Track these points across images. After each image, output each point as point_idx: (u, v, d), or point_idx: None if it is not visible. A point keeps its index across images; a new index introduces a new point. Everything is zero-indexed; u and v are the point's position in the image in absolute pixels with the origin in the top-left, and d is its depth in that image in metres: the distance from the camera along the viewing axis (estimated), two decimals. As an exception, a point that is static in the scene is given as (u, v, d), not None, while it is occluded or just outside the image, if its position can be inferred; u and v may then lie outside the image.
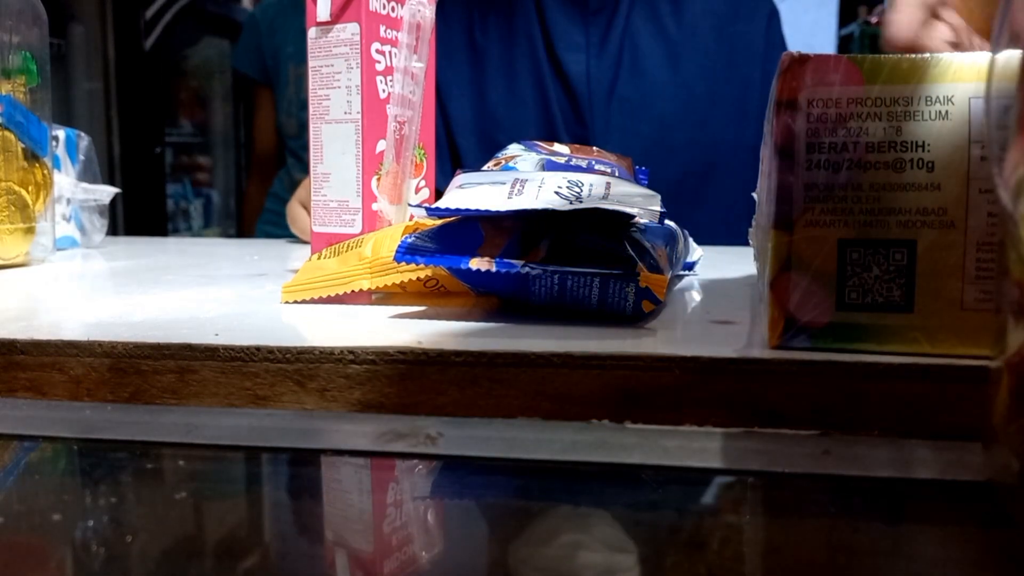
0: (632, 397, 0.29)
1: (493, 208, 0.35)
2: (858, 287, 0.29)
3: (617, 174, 0.45)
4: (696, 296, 0.44)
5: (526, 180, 0.38)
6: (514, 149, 0.49)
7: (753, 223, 0.43)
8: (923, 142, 0.28)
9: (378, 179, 0.49)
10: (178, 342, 0.31)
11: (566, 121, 0.90)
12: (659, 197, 0.38)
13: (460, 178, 0.41)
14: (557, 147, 0.51)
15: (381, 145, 0.49)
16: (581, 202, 0.35)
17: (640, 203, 0.36)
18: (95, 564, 0.21)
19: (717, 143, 0.89)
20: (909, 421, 0.28)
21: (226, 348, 0.31)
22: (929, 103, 0.28)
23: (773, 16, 0.95)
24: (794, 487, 0.25)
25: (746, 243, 0.53)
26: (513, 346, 0.30)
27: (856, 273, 0.29)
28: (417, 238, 0.36)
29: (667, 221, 0.44)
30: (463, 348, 0.30)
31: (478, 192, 0.38)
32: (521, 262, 0.35)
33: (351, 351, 0.30)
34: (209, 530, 0.24)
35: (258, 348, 0.31)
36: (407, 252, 0.36)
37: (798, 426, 0.28)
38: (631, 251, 0.36)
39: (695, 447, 0.27)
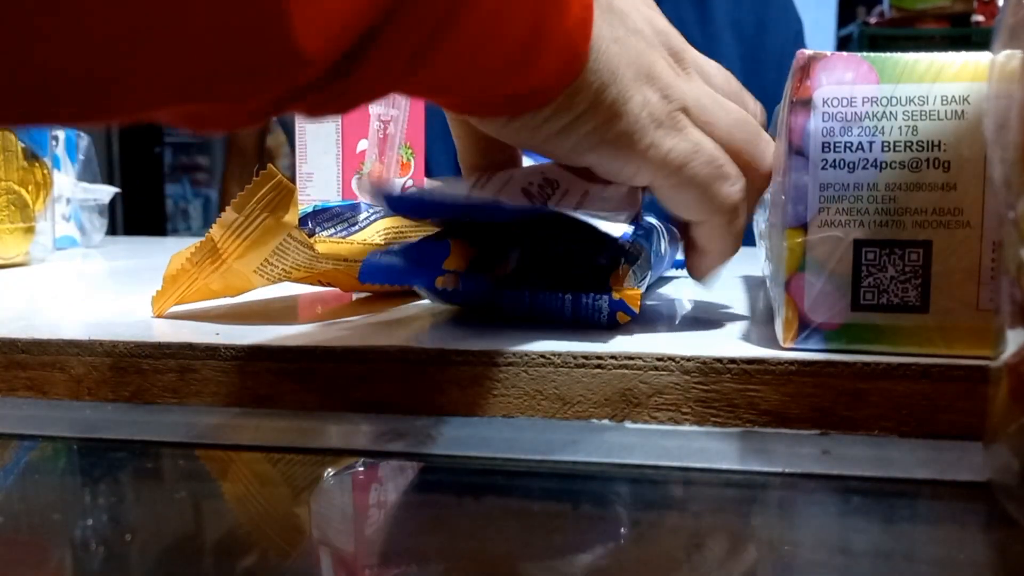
0: (632, 397, 0.29)
1: (449, 198, 0.33)
2: (873, 288, 0.29)
3: None
4: (696, 296, 0.44)
5: (493, 175, 0.36)
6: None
7: (765, 223, 0.43)
8: (939, 141, 0.28)
9: (359, 178, 0.49)
10: (179, 341, 0.31)
11: None
12: (637, 209, 0.35)
13: (427, 182, 0.40)
14: None
15: (362, 144, 0.49)
16: (547, 206, 0.33)
17: (610, 214, 0.33)
18: (95, 564, 0.21)
19: None
20: (909, 421, 0.28)
21: (227, 347, 0.31)
22: (945, 102, 0.28)
23: (799, 34, 0.94)
24: (794, 487, 0.25)
25: (745, 243, 0.53)
26: (513, 346, 0.30)
27: (871, 274, 0.29)
28: (383, 255, 0.34)
29: (648, 218, 0.42)
30: (463, 348, 0.30)
31: (439, 188, 0.36)
32: (486, 276, 0.34)
33: (352, 350, 0.30)
34: (209, 530, 0.24)
35: (259, 347, 0.31)
36: (372, 272, 0.33)
37: (798, 426, 0.28)
38: (603, 260, 0.34)
39: (695, 447, 0.27)
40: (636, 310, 0.33)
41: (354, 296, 0.43)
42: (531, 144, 0.32)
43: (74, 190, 0.78)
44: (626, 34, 0.30)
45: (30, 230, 0.63)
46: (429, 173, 0.56)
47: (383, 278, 0.34)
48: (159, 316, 0.38)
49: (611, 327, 0.34)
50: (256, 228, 0.34)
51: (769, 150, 0.34)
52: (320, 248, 0.36)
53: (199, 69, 0.19)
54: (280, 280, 0.37)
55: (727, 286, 0.48)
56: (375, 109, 0.49)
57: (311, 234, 0.38)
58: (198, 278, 0.37)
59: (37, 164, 0.64)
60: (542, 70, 0.28)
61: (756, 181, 0.35)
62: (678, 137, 0.31)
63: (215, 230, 0.35)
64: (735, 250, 0.36)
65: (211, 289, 0.37)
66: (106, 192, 0.82)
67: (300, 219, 0.39)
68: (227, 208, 0.35)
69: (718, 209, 0.32)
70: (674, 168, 0.31)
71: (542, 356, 0.29)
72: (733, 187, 0.32)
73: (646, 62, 0.31)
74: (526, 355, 0.29)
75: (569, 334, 0.32)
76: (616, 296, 0.33)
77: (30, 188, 0.63)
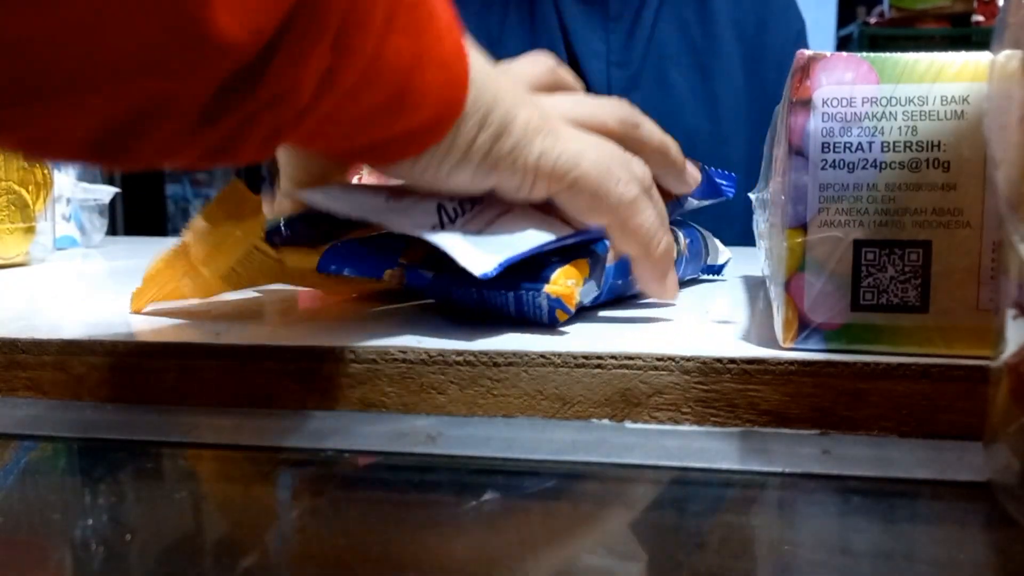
0: (632, 397, 0.29)
1: (355, 215, 0.33)
2: (873, 288, 0.29)
3: None
4: (696, 296, 0.44)
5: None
6: None
7: (765, 223, 0.43)
8: (939, 142, 0.28)
9: (359, 179, 0.49)
10: (179, 341, 0.31)
11: None
12: (546, 242, 0.34)
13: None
14: None
15: None
16: (443, 228, 0.33)
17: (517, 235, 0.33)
18: (95, 564, 0.21)
19: (742, 158, 0.86)
20: (909, 421, 0.28)
21: (227, 347, 0.31)
22: (944, 103, 0.28)
23: (801, 33, 0.94)
24: (794, 487, 0.25)
25: (745, 243, 0.53)
26: (513, 346, 0.30)
27: (871, 274, 0.29)
28: (342, 245, 0.34)
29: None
30: (463, 348, 0.30)
31: (355, 198, 0.35)
32: (431, 273, 0.34)
33: (352, 350, 0.30)
34: (209, 530, 0.24)
35: (259, 347, 0.31)
36: (330, 260, 0.34)
37: (798, 426, 0.28)
38: (557, 258, 0.34)
39: (695, 447, 0.27)
40: (572, 308, 0.33)
41: (352, 294, 0.43)
42: (436, 183, 0.33)
43: (74, 190, 0.78)
44: (499, 71, 0.33)
45: (30, 230, 0.63)
46: None
47: (340, 264, 0.34)
48: (137, 312, 0.39)
49: (552, 325, 0.34)
50: (222, 237, 0.35)
51: (649, 125, 0.36)
52: (286, 259, 0.36)
53: (131, 41, 0.20)
54: (247, 287, 0.38)
55: (727, 286, 0.48)
56: None
57: (284, 242, 0.38)
58: (171, 279, 0.37)
59: (37, 164, 0.64)
60: (429, 101, 0.29)
61: (653, 157, 0.37)
62: (561, 141, 0.33)
63: (187, 235, 0.36)
64: (655, 247, 0.35)
65: (182, 291, 0.38)
66: (106, 192, 0.82)
67: (275, 226, 0.39)
68: (197, 215, 0.35)
69: (613, 208, 0.34)
70: (562, 174, 0.33)
71: (542, 356, 0.29)
72: (626, 186, 0.34)
73: (520, 90, 0.34)
74: (526, 355, 0.29)
75: (570, 334, 0.32)
76: (553, 294, 0.33)
77: (30, 188, 0.63)
